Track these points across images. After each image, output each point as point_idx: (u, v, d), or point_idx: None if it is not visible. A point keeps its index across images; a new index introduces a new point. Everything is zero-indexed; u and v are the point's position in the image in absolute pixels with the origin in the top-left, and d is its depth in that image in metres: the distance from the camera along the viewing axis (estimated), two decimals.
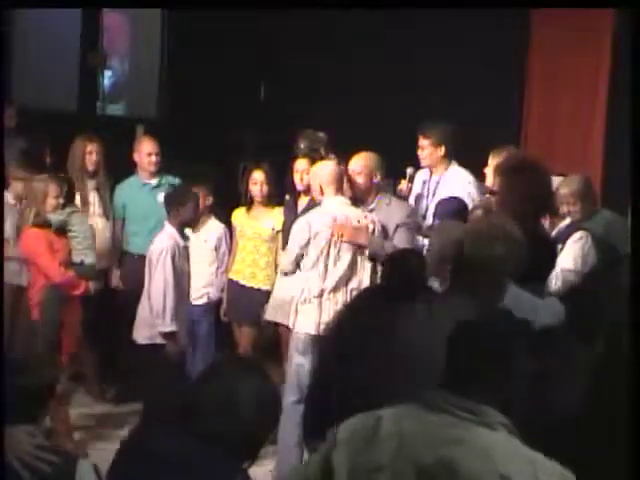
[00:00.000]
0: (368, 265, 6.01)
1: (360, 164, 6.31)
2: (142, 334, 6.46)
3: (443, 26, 9.06)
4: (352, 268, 5.99)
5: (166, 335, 6.30)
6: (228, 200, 7.70)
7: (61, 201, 6.59)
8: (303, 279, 6.03)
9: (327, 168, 6.20)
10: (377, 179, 6.29)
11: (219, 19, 9.43)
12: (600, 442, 2.99)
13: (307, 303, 5.96)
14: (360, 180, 6.28)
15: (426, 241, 6.38)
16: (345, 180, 6.42)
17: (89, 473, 3.05)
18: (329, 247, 5.96)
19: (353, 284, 5.97)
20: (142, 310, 6.52)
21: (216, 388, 2.83)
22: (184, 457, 2.75)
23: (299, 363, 5.89)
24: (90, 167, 7.59)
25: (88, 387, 7.75)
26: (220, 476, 2.77)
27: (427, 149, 6.96)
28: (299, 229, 6.05)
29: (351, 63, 9.58)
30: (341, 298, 5.93)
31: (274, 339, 7.02)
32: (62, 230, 6.61)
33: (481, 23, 8.81)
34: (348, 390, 3.95)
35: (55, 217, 6.58)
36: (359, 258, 6.01)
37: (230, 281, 7.25)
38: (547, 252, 5.29)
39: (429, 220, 6.76)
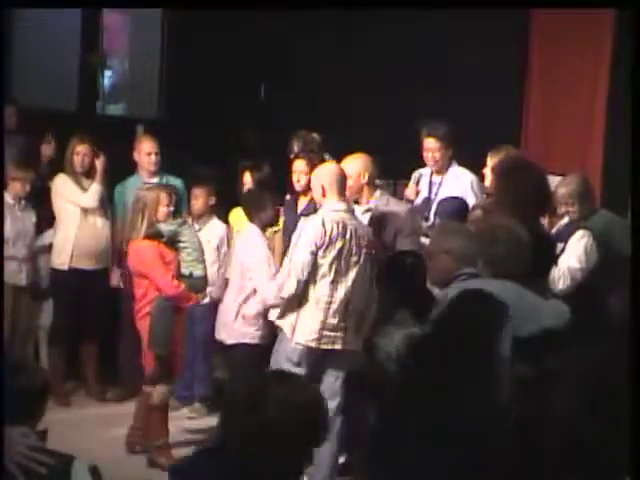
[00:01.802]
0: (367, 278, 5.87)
1: (347, 167, 6.30)
2: (224, 335, 6.63)
3: (443, 26, 9.05)
4: (358, 282, 5.83)
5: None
6: (228, 200, 7.69)
7: (172, 209, 6.47)
8: (311, 288, 5.80)
9: (330, 169, 6.01)
10: (365, 180, 6.24)
11: (219, 19, 9.42)
12: (601, 442, 2.99)
13: (311, 314, 5.77)
14: (349, 183, 6.26)
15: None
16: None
17: (84, 474, 3.04)
18: (340, 258, 5.77)
19: (358, 299, 5.82)
20: (222, 313, 6.72)
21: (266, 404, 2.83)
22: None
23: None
24: (79, 168, 7.55)
25: (88, 387, 7.76)
26: None
27: (437, 151, 6.92)
28: (315, 229, 5.75)
29: (351, 63, 9.58)
30: (346, 314, 5.79)
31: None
32: (171, 241, 6.44)
33: (481, 23, 8.81)
34: None
35: (166, 227, 6.40)
36: (364, 273, 5.84)
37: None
38: (548, 251, 5.29)
39: (431, 220, 6.76)
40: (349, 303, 5.80)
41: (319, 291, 5.77)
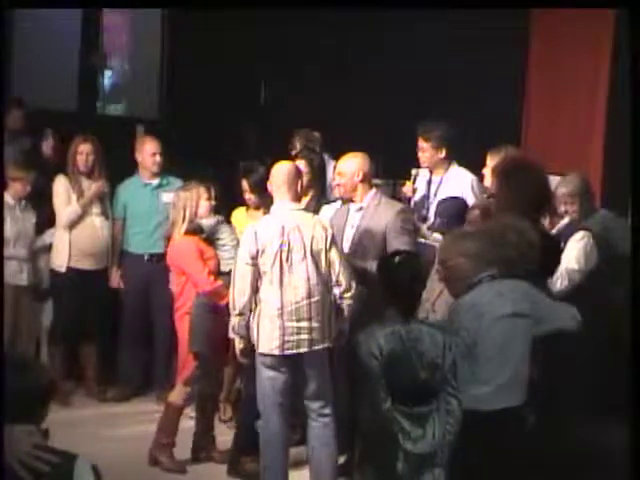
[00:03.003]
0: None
1: (342, 165, 6.31)
2: None
3: (443, 26, 9.05)
4: (310, 279, 5.69)
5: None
6: (228, 200, 7.69)
7: (213, 203, 6.47)
8: (262, 295, 5.71)
9: (280, 170, 5.90)
10: (359, 179, 6.24)
11: (219, 19, 9.43)
12: (603, 441, 3.01)
13: (267, 321, 5.66)
14: (342, 181, 6.27)
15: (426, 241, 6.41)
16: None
17: (87, 472, 3.05)
18: (280, 259, 5.66)
19: (315, 297, 5.70)
20: None
21: None
22: None
23: (271, 377, 5.68)
24: (82, 167, 7.56)
25: (88, 387, 7.76)
26: None
27: (427, 151, 6.95)
28: (246, 239, 5.73)
29: (351, 63, 9.58)
30: (304, 315, 5.67)
31: None
32: (211, 238, 6.44)
33: (481, 23, 8.81)
34: None
35: (207, 222, 6.42)
36: (314, 270, 5.71)
37: None
38: (553, 250, 5.29)
39: (431, 220, 6.77)
40: (307, 302, 5.68)
41: (269, 297, 5.67)
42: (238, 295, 5.72)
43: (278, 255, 5.67)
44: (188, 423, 6.90)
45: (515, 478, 4.41)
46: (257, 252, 5.66)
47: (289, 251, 5.69)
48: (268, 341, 5.68)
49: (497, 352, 4.48)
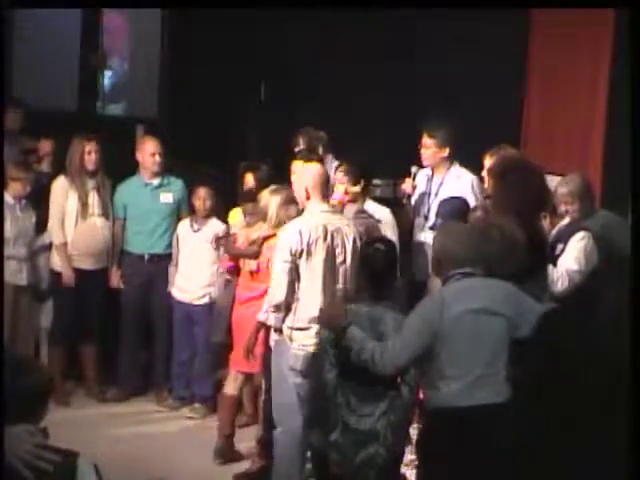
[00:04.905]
0: None
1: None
2: None
3: (443, 26, 9.05)
4: (350, 281, 5.67)
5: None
6: (228, 200, 7.69)
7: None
8: (303, 291, 5.66)
9: (314, 170, 5.83)
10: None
11: (219, 19, 9.43)
12: (601, 442, 3.00)
13: (307, 318, 5.61)
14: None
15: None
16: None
17: (89, 471, 3.06)
18: (326, 260, 5.62)
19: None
20: None
21: None
22: None
23: (298, 383, 5.60)
24: (90, 167, 7.56)
25: (88, 387, 7.76)
26: None
27: (431, 149, 6.96)
28: (291, 236, 5.63)
29: (351, 63, 9.58)
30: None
31: None
32: None
33: (481, 23, 8.81)
34: None
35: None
36: (352, 270, 5.68)
37: (227, 281, 7.23)
38: (543, 252, 5.30)
39: (431, 220, 6.78)
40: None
41: (310, 297, 5.63)
42: (276, 292, 5.64)
43: (323, 256, 5.62)
44: (186, 423, 6.93)
45: (489, 476, 4.41)
46: (301, 250, 5.60)
47: (332, 253, 5.65)
48: (307, 336, 5.61)
49: (463, 348, 4.48)
